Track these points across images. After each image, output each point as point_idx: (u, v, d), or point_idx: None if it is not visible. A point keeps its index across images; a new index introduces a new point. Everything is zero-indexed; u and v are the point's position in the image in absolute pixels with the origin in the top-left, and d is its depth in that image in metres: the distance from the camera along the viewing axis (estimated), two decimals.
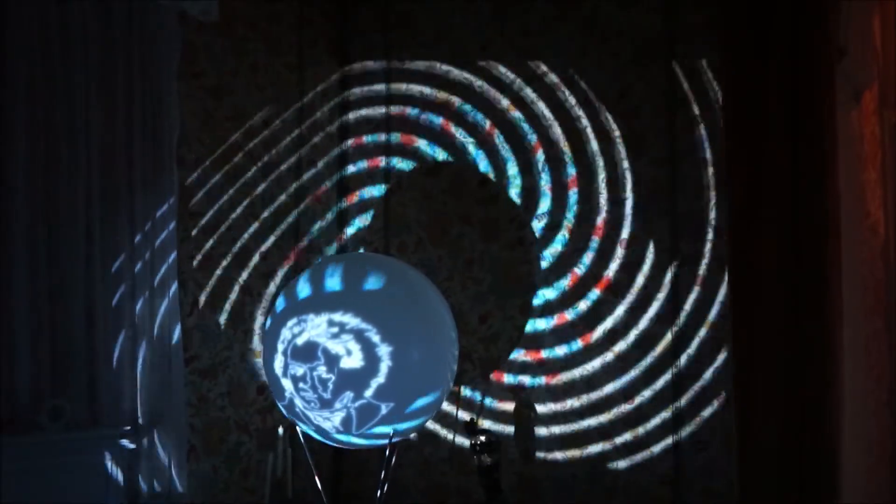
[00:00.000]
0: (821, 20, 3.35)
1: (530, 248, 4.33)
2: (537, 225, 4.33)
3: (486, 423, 4.28)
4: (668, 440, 4.08)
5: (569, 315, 4.26)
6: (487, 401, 4.34)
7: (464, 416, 4.28)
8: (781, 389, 3.44)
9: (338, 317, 3.29)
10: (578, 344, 4.23)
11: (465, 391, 4.36)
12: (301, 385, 3.33)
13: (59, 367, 3.68)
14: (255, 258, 4.21)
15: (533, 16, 4.40)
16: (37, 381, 3.62)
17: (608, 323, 4.20)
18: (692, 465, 4.05)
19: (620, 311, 4.19)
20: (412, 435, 3.96)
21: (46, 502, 3.41)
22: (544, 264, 4.30)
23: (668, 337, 4.10)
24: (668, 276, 4.12)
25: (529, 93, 4.38)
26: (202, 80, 4.04)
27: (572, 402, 4.22)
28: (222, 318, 4.05)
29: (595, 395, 4.20)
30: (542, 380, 4.27)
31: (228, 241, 4.10)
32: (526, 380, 4.29)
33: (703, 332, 4.07)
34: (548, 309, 4.29)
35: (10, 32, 3.61)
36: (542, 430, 4.25)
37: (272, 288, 4.26)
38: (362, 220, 4.63)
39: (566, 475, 4.21)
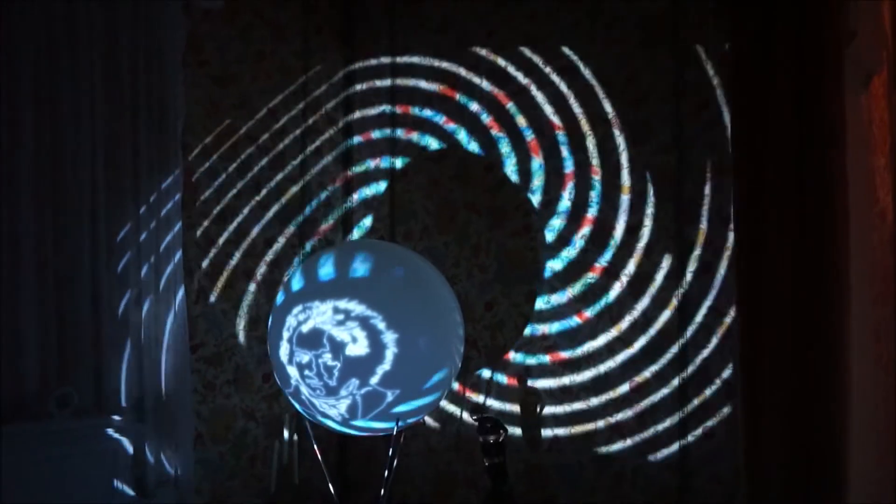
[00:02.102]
0: (829, 3, 3.32)
1: (537, 235, 4.32)
2: (547, 220, 4.32)
3: (492, 414, 4.27)
4: (676, 428, 4.07)
5: (578, 308, 4.24)
6: (491, 396, 4.35)
7: (468, 414, 4.28)
8: (789, 377, 3.42)
9: (343, 304, 3.30)
10: (587, 338, 4.22)
11: (471, 383, 4.36)
12: (307, 372, 3.33)
13: (65, 354, 3.70)
14: (260, 244, 4.20)
15: (539, 2, 4.37)
16: (44, 369, 3.65)
17: (619, 315, 4.18)
18: (698, 452, 4.03)
19: (627, 298, 4.17)
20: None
21: (54, 489, 3.44)
22: (553, 258, 4.29)
23: (680, 330, 4.08)
24: (678, 265, 4.11)
25: (537, 79, 4.36)
26: (207, 67, 4.03)
27: (573, 378, 4.22)
28: (227, 306, 4.05)
29: (601, 382, 4.19)
30: (552, 376, 4.27)
31: (234, 230, 4.11)
32: (535, 375, 4.28)
33: (714, 324, 4.05)
34: (558, 304, 4.28)
35: (16, 22, 3.63)
36: (551, 430, 4.24)
37: (276, 271, 4.25)
38: (365, 204, 4.62)
39: (573, 463, 4.20)
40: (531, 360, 4.29)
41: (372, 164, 4.63)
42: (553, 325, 4.27)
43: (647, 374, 4.12)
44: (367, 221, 4.60)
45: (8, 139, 3.60)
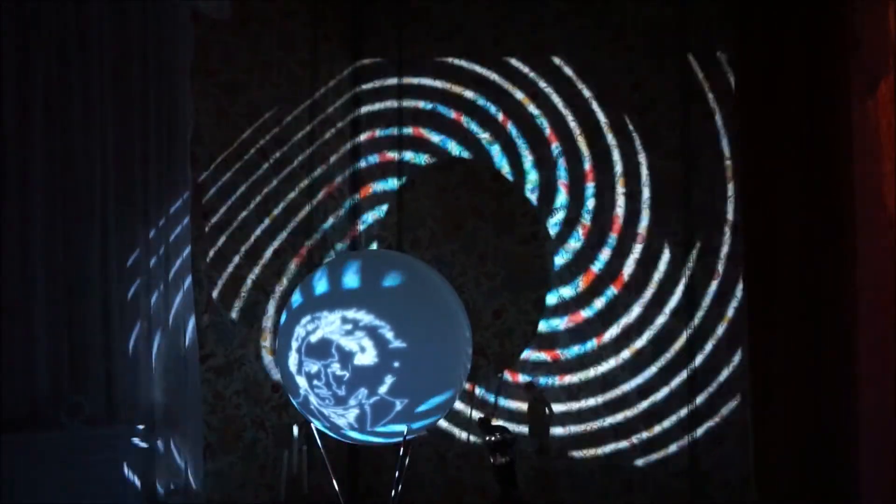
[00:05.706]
0: (835, 10, 3.32)
1: (544, 243, 4.32)
2: (552, 221, 4.32)
3: (500, 420, 4.27)
4: (684, 434, 4.06)
5: (584, 312, 4.24)
6: (501, 398, 4.34)
7: (478, 413, 4.27)
8: (798, 384, 3.42)
9: (351, 314, 3.30)
10: (593, 342, 4.22)
11: (479, 389, 4.36)
12: (315, 382, 3.33)
13: (77, 364, 3.72)
14: (268, 255, 4.21)
15: (547, 10, 4.38)
16: (56, 379, 3.66)
17: (623, 319, 4.19)
18: (708, 459, 4.03)
19: (636, 307, 4.17)
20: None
21: (63, 497, 3.45)
22: (559, 261, 4.29)
23: (684, 334, 4.08)
24: (684, 271, 4.10)
25: (543, 86, 4.37)
26: (216, 77, 4.05)
27: (588, 399, 4.22)
28: (236, 316, 4.06)
29: (611, 392, 4.19)
30: (557, 379, 4.27)
31: (241, 239, 4.11)
32: (541, 379, 4.28)
33: (718, 328, 4.05)
34: (563, 307, 4.28)
35: (29, 33, 3.66)
36: (558, 430, 4.24)
37: (285, 284, 4.26)
38: (375, 215, 4.62)
39: (582, 469, 4.20)
40: (539, 367, 4.29)
41: (378, 169, 4.63)
42: (561, 331, 4.27)
43: (655, 380, 4.13)
44: (375, 230, 4.60)
45: (19, 145, 3.63)
